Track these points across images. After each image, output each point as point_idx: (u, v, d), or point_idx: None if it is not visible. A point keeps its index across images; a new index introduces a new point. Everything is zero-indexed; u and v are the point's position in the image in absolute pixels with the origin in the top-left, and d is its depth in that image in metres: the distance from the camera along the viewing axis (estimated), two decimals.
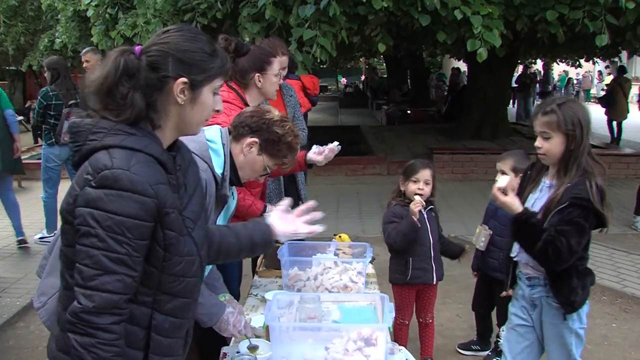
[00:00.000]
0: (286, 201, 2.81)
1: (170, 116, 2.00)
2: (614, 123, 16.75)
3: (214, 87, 2.05)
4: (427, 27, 7.87)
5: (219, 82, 2.07)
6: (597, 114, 21.87)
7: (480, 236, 4.53)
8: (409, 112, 21.68)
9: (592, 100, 27.51)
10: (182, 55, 1.95)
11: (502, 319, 4.65)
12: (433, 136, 15.51)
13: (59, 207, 2.04)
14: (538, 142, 3.13)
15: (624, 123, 16.81)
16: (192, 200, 2.10)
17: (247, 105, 4.02)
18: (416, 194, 4.28)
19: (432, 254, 4.38)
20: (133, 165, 1.84)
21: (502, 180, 3.28)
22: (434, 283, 4.43)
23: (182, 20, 9.49)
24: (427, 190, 4.30)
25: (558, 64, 25.89)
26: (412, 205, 4.22)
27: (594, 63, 20.43)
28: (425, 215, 4.36)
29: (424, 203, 4.28)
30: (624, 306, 5.92)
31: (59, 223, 2.05)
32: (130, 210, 1.81)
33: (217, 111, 2.19)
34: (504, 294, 4.37)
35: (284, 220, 2.71)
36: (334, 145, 4.15)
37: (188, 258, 2.02)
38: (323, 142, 4.54)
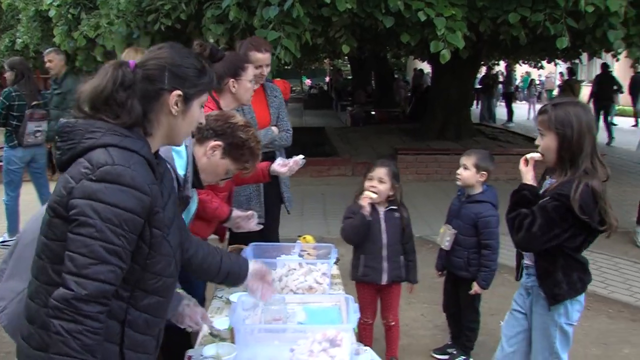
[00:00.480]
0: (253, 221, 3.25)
1: (161, 126, 2.13)
2: None
3: (201, 101, 2.21)
4: (391, 28, 7.92)
5: (205, 97, 2.23)
6: None
7: (445, 236, 4.58)
8: (373, 113, 21.75)
9: None
10: (177, 70, 2.11)
11: (469, 319, 4.71)
12: (397, 137, 15.60)
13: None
14: (537, 140, 3.25)
15: None
16: (167, 206, 2.17)
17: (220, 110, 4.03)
18: (367, 190, 4.32)
19: (385, 254, 4.37)
20: (132, 164, 1.95)
21: (536, 154, 3.30)
22: (384, 283, 4.43)
23: (146, 21, 9.42)
24: (380, 188, 4.30)
25: (520, 65, 26.16)
26: (361, 199, 4.28)
27: (555, 64, 20.67)
28: (382, 215, 4.37)
29: (373, 197, 4.28)
30: (585, 303, 5.99)
31: (21, 226, 2.06)
32: (129, 204, 1.92)
33: (201, 124, 2.29)
34: (472, 291, 4.47)
35: (257, 280, 2.92)
36: (299, 158, 4.16)
37: (165, 259, 2.11)
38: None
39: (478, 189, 4.48)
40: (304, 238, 4.43)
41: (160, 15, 9.12)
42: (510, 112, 23.36)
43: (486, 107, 23.37)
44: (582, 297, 3.37)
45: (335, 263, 4.23)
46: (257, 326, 2.96)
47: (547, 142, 3.18)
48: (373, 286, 4.49)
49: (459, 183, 4.54)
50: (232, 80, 4.07)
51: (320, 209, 9.47)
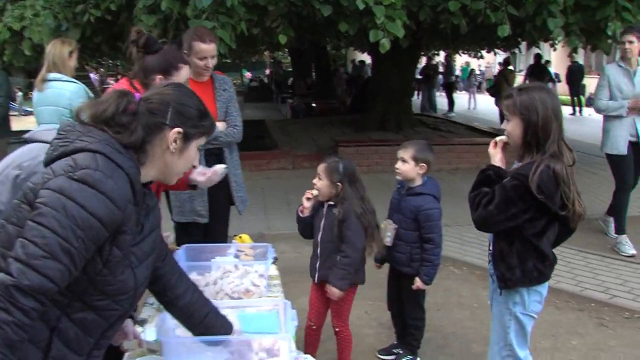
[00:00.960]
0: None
1: (155, 159, 2.15)
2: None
3: (199, 143, 2.26)
4: (329, 17, 7.74)
5: (203, 141, 2.28)
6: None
7: (386, 231, 4.41)
8: (313, 105, 21.63)
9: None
10: (181, 108, 2.17)
11: (413, 316, 4.56)
12: (338, 128, 15.46)
13: None
14: (503, 124, 3.28)
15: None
16: (146, 240, 2.20)
17: None
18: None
19: (318, 251, 4.22)
20: (116, 177, 1.94)
21: (504, 137, 3.29)
22: (315, 281, 4.29)
23: (74, 12, 9.05)
24: (318, 185, 4.14)
25: (460, 56, 26.34)
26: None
27: (495, 54, 20.87)
28: (324, 212, 4.20)
29: (313, 194, 4.16)
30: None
31: None
32: (99, 211, 1.88)
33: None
34: (414, 287, 4.31)
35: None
36: (220, 168, 3.91)
37: (122, 286, 2.06)
38: None
39: (418, 182, 4.31)
40: (240, 237, 4.25)
41: (89, 5, 8.78)
42: (451, 102, 23.54)
43: (427, 98, 23.53)
44: (542, 288, 3.32)
45: (274, 263, 4.08)
46: (187, 338, 2.73)
47: (512, 126, 3.18)
48: (320, 285, 4.30)
49: (398, 177, 4.37)
50: (160, 77, 3.71)
51: (260, 204, 9.24)
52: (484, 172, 3.28)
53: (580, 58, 27.07)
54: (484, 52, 20.57)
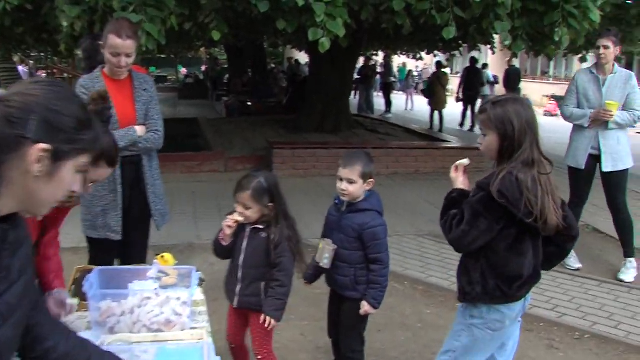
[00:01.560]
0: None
1: (13, 185, 1.59)
2: (436, 112, 19.20)
3: (78, 165, 1.70)
4: (266, 14, 7.33)
5: (84, 160, 1.72)
6: (422, 105, 23.04)
7: (324, 252, 4.01)
8: (249, 103, 21.19)
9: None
10: (51, 116, 1.60)
11: (351, 348, 4.16)
12: (273, 129, 15.03)
13: None
14: (479, 139, 3.23)
15: (444, 112, 19.27)
16: (13, 289, 1.66)
17: None
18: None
19: (240, 276, 3.83)
20: None
21: (464, 160, 3.31)
22: (235, 306, 3.91)
23: None
24: (247, 214, 3.73)
25: (399, 57, 26.27)
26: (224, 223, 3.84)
27: (434, 56, 20.83)
28: (246, 234, 3.83)
29: (236, 220, 3.76)
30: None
31: None
32: None
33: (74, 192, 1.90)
34: (362, 311, 3.95)
35: None
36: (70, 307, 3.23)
37: None
38: None
39: (360, 197, 3.94)
40: (162, 257, 3.82)
41: None
42: (388, 103, 23.52)
43: (365, 98, 23.33)
44: (505, 309, 3.20)
45: (200, 285, 3.69)
46: None
47: (489, 140, 3.14)
48: (235, 309, 3.97)
49: (345, 199, 3.96)
50: None
51: (190, 210, 8.78)
52: (448, 196, 3.28)
53: (517, 62, 27.45)
54: (423, 54, 20.45)
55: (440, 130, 18.30)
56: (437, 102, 19.09)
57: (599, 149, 6.32)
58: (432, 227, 7.86)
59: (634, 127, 6.61)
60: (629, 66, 22.24)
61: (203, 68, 41.48)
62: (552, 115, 27.43)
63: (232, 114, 19.96)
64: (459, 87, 19.97)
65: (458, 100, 20.22)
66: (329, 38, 6.96)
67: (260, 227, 3.77)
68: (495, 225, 3.06)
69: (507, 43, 7.73)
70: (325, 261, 3.98)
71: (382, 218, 3.96)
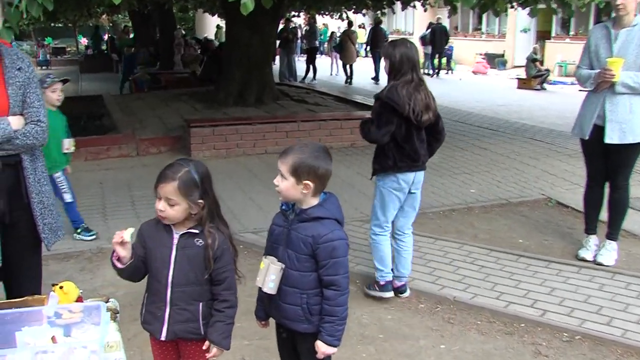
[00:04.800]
0: None
1: None
2: (347, 66, 23.26)
3: None
4: None
5: None
6: (356, 67, 23.69)
7: (268, 274, 3.24)
8: (159, 76, 20.20)
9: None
10: None
11: None
12: (189, 104, 14.16)
13: None
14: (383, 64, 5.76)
15: (354, 66, 23.57)
16: None
17: None
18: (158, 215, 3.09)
19: (168, 297, 3.12)
20: None
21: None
22: (162, 339, 3.18)
23: None
24: (170, 213, 3.03)
25: (323, 17, 25.76)
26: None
27: (364, 15, 20.43)
28: (176, 240, 3.11)
29: (126, 238, 3.01)
30: (447, 315, 5.15)
31: None
32: None
33: None
34: (318, 355, 3.22)
35: None
36: None
37: None
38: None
39: (312, 202, 3.21)
40: (61, 288, 3.07)
41: None
42: (314, 69, 23.02)
43: (286, 64, 22.63)
44: (398, 176, 5.17)
45: (114, 320, 3.05)
46: None
47: (384, 65, 5.23)
48: (162, 342, 3.25)
49: (280, 197, 3.25)
50: None
51: (98, 205, 7.95)
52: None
53: (446, 19, 27.59)
54: (349, 13, 19.98)
55: (349, 82, 22.71)
56: (347, 56, 23.10)
57: (604, 118, 5.69)
58: None
59: None
60: None
61: (105, 37, 39.73)
62: (482, 74, 27.52)
63: (141, 88, 19.02)
64: (366, 45, 25.55)
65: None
66: None
67: (195, 231, 3.07)
68: (392, 118, 5.03)
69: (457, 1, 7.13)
70: (270, 285, 3.22)
71: (342, 229, 3.25)
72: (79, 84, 23.72)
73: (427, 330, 4.92)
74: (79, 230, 6.80)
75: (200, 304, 3.13)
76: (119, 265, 3.08)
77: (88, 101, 16.35)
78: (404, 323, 5.03)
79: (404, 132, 5.06)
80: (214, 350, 3.13)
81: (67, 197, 6.69)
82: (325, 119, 11.70)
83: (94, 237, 6.76)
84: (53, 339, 2.68)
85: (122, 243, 3.00)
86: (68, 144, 6.62)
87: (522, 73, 23.17)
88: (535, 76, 21.25)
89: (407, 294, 5.48)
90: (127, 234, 2.99)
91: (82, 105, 15.16)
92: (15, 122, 3.60)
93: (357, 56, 24.92)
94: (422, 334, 4.85)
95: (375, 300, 5.39)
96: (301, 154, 3.13)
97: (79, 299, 3.12)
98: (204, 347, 3.14)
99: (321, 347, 3.15)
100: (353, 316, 5.05)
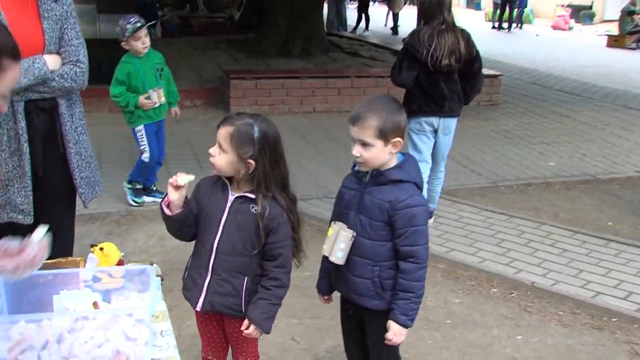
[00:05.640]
0: None
1: None
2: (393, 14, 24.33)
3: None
4: None
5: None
6: (410, 17, 23.69)
7: (337, 241, 3.30)
8: (190, 20, 20.43)
9: None
10: None
11: None
12: (227, 53, 14.33)
13: None
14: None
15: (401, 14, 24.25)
16: None
17: None
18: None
19: (210, 264, 3.22)
20: None
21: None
22: (199, 309, 3.29)
23: None
24: (216, 159, 3.12)
25: None
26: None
27: None
28: (229, 203, 3.20)
29: (180, 182, 3.08)
30: (523, 302, 5.21)
31: None
32: None
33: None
34: (389, 335, 3.29)
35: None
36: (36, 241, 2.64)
37: None
38: None
39: (392, 162, 3.26)
40: (101, 250, 3.17)
41: None
42: (367, 18, 23.05)
43: (335, 12, 22.64)
44: (422, 119, 6.16)
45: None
46: None
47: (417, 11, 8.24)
48: (203, 314, 3.40)
49: (362, 168, 3.29)
50: None
51: (125, 164, 8.09)
52: None
53: None
54: None
55: (395, 32, 23.37)
56: (394, 3, 23.94)
57: None
58: (450, 181, 7.43)
59: None
60: None
61: None
62: (563, 30, 27.15)
63: (170, 33, 19.13)
64: None
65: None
66: None
67: (251, 196, 3.15)
68: (412, 63, 5.99)
69: None
70: (338, 255, 3.29)
71: (421, 195, 3.29)
72: (96, 25, 23.89)
73: (501, 318, 4.99)
74: (129, 186, 6.90)
75: (246, 278, 3.21)
76: (167, 212, 3.16)
77: (109, 45, 16.48)
78: (474, 309, 5.11)
79: (429, 77, 6.04)
80: (251, 328, 3.20)
81: (144, 155, 6.78)
82: (382, 76, 11.66)
83: (139, 203, 6.88)
84: (95, 304, 2.78)
85: (177, 187, 3.10)
86: (156, 97, 6.66)
87: (613, 29, 22.79)
88: (630, 32, 20.86)
89: (430, 221, 6.26)
90: (183, 178, 3.07)
91: (103, 50, 15.20)
92: (52, 62, 3.68)
93: (405, 4, 25.21)
94: (495, 322, 4.92)
95: (440, 281, 5.49)
96: (380, 111, 3.17)
97: (120, 263, 3.23)
98: (243, 327, 3.22)
99: (393, 327, 3.22)
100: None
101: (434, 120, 6.17)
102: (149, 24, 6.71)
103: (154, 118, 6.74)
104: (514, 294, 5.32)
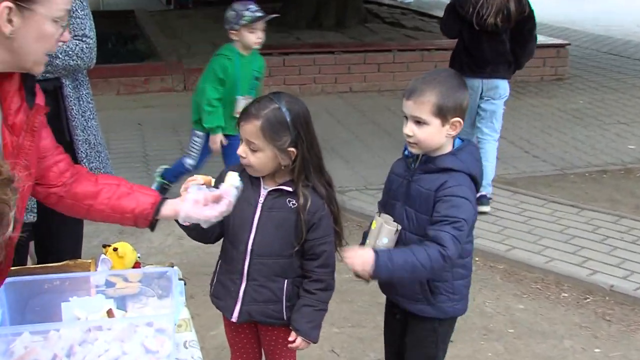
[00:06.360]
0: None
1: None
2: None
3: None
4: None
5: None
6: None
7: (380, 236, 3.29)
8: None
9: None
10: None
11: None
12: None
13: None
14: None
15: None
16: None
17: None
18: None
19: (244, 269, 3.22)
20: None
21: None
22: (235, 320, 3.30)
23: None
24: (251, 160, 3.10)
25: None
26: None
27: None
28: (262, 198, 3.19)
29: (200, 180, 2.96)
30: (600, 309, 5.21)
31: None
32: None
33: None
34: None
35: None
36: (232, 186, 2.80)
37: None
38: None
39: (446, 147, 3.22)
40: (115, 250, 3.20)
41: None
42: None
43: None
44: (468, 81, 5.23)
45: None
46: None
47: None
48: (236, 325, 3.42)
49: (413, 150, 3.26)
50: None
51: (137, 152, 8.19)
52: None
53: None
54: None
55: None
56: None
57: None
58: (510, 169, 7.43)
59: None
60: None
61: None
62: None
63: (184, 2, 19.26)
64: None
65: None
66: None
67: (288, 188, 3.14)
68: (457, 19, 6.57)
69: None
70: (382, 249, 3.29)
71: (473, 189, 3.24)
72: None
73: (574, 327, 4.99)
74: (160, 180, 6.85)
75: (286, 281, 3.23)
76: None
77: (116, 18, 16.68)
78: (541, 316, 5.12)
79: (473, 36, 6.56)
80: (299, 340, 3.22)
81: (189, 161, 6.61)
82: (429, 48, 11.77)
83: None
84: (109, 312, 2.82)
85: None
86: (244, 104, 6.39)
87: None
88: None
89: (487, 208, 6.60)
90: (199, 181, 3.05)
91: (109, 24, 15.45)
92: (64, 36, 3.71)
93: None
94: (567, 333, 4.92)
95: (500, 284, 5.51)
96: (440, 86, 3.15)
97: (137, 265, 3.29)
98: (290, 339, 3.23)
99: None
100: (472, 303, 5.12)
101: (475, 82, 6.54)
102: (272, 16, 6.49)
103: (221, 129, 6.33)
104: (588, 300, 5.32)
